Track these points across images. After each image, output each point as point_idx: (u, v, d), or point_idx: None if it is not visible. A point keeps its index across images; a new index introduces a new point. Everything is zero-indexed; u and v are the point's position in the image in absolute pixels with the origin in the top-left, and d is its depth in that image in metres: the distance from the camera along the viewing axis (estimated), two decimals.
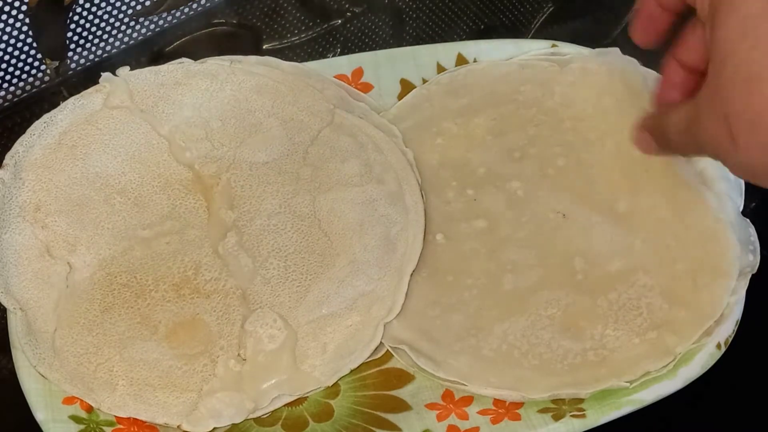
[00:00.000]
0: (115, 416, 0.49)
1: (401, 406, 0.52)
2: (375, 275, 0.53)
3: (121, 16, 0.67)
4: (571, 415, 0.50)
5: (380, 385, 0.52)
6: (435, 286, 0.54)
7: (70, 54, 0.67)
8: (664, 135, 0.49)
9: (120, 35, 0.68)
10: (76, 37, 0.66)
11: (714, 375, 0.51)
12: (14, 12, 0.62)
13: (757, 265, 0.52)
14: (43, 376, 0.50)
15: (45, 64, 0.66)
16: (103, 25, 0.67)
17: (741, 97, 0.40)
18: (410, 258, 0.53)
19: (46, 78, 0.67)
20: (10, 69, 0.65)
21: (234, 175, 0.55)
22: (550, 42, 0.61)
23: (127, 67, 0.59)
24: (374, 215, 0.54)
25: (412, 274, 0.53)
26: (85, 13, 0.66)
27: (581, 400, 0.50)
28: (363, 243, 0.53)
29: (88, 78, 0.62)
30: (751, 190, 0.55)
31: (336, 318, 0.52)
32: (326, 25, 0.71)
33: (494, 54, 0.61)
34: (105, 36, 0.68)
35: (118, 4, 0.67)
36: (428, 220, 0.55)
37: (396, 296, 0.52)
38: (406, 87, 0.61)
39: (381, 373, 0.53)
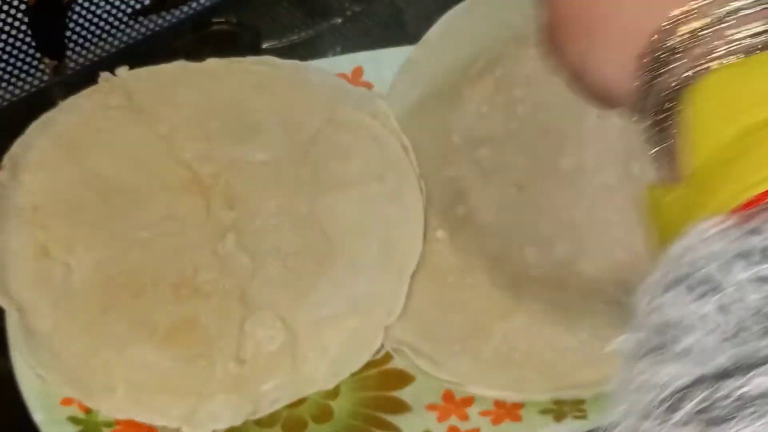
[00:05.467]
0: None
1: (401, 406, 0.51)
2: (375, 276, 0.53)
3: (120, 16, 0.67)
4: (573, 416, 0.50)
5: (380, 386, 0.52)
6: (435, 285, 0.53)
7: (69, 54, 0.67)
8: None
9: (120, 35, 0.68)
10: (75, 37, 0.66)
11: None
12: (14, 12, 0.62)
13: None
14: (41, 377, 0.50)
15: (44, 64, 0.66)
16: (102, 25, 0.67)
17: None
18: (410, 259, 0.53)
19: (46, 78, 0.67)
20: (9, 69, 0.65)
21: (233, 175, 0.55)
22: None
23: (127, 67, 0.59)
24: (374, 215, 0.54)
25: (412, 275, 0.53)
26: (84, 13, 0.66)
27: (582, 401, 0.50)
28: (363, 244, 0.53)
29: (87, 78, 0.61)
30: None
31: (336, 320, 0.52)
32: (326, 24, 0.71)
33: None
34: (105, 36, 0.68)
35: (117, 4, 0.66)
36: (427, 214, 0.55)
37: (396, 298, 0.52)
38: None
39: (381, 374, 0.53)
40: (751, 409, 0.23)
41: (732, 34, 0.30)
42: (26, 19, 0.63)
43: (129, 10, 0.67)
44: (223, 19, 0.71)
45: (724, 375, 0.24)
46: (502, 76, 0.53)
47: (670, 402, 0.24)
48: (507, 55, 0.54)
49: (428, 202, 0.55)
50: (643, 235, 0.44)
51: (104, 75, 0.58)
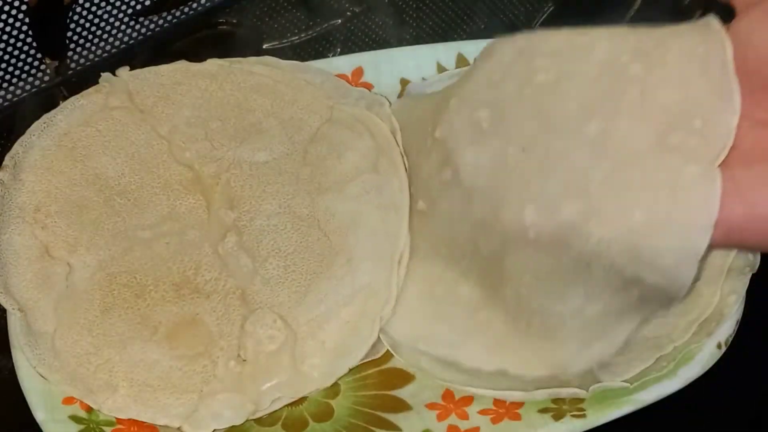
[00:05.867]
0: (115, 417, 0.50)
1: (401, 405, 0.52)
2: (369, 268, 0.53)
3: (121, 16, 0.67)
4: (572, 415, 0.50)
5: (380, 385, 0.52)
6: (426, 263, 0.52)
7: (70, 54, 0.67)
8: None
9: (120, 35, 0.68)
10: (76, 37, 0.66)
11: (714, 375, 0.51)
12: (14, 12, 0.62)
13: (758, 264, 0.52)
14: (42, 376, 0.50)
15: (45, 64, 0.66)
16: (103, 25, 0.67)
17: None
18: (397, 245, 0.53)
19: (46, 78, 0.67)
20: (10, 69, 0.65)
21: (234, 175, 0.55)
22: None
23: (127, 67, 0.59)
24: (367, 207, 0.54)
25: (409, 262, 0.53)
26: (85, 13, 0.66)
27: (581, 400, 0.50)
28: (356, 237, 0.53)
29: (88, 78, 0.62)
30: None
31: (333, 314, 0.52)
32: (326, 25, 0.71)
33: None
34: (105, 36, 0.68)
35: (118, 4, 0.67)
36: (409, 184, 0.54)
37: (390, 288, 0.52)
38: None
39: (381, 373, 0.53)
40: None
41: None
42: (27, 20, 0.63)
43: (130, 11, 0.67)
44: (223, 20, 0.71)
45: None
46: (524, 47, 0.49)
47: None
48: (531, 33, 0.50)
49: (415, 172, 0.54)
50: (666, 198, 0.42)
51: (105, 75, 0.58)
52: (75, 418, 0.49)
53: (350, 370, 0.51)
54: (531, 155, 0.46)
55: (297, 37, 0.71)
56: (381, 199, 0.54)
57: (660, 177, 0.43)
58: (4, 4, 0.62)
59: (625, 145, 0.44)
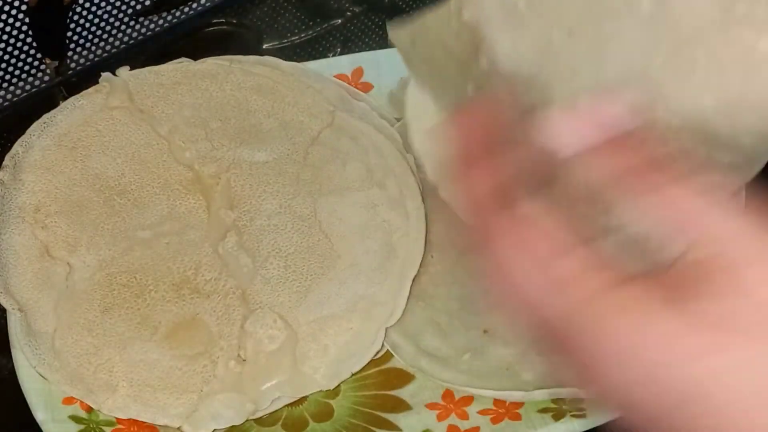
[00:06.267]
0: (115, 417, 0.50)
1: (401, 405, 0.52)
2: (376, 279, 0.53)
3: (121, 16, 0.67)
4: (572, 415, 0.50)
5: (380, 385, 0.52)
6: None
7: (70, 54, 0.67)
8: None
9: (120, 35, 0.68)
10: (76, 37, 0.66)
11: None
12: (14, 12, 0.62)
13: None
14: (42, 376, 0.50)
15: (45, 64, 0.66)
16: (103, 25, 0.67)
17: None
18: (412, 263, 0.53)
19: (46, 78, 0.67)
20: (10, 69, 0.65)
21: (234, 175, 0.55)
22: None
23: (127, 67, 0.59)
24: (376, 220, 0.54)
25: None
26: (85, 13, 0.66)
27: (581, 400, 0.50)
28: (364, 247, 0.53)
29: (88, 78, 0.61)
30: (749, 189, 0.55)
31: (337, 319, 0.52)
32: (326, 25, 0.71)
33: None
34: (105, 36, 0.68)
35: (118, 4, 0.66)
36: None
37: (397, 301, 0.52)
38: None
39: (381, 373, 0.53)
40: None
41: None
42: (27, 20, 0.63)
43: (130, 11, 0.67)
44: (223, 20, 0.71)
45: None
46: None
47: None
48: None
49: (451, 60, 0.46)
50: (739, 78, 0.37)
51: (105, 75, 0.58)
52: (75, 418, 0.49)
53: (352, 374, 0.52)
54: (579, 39, 0.41)
55: (297, 37, 0.71)
56: (393, 217, 0.55)
57: (729, 54, 0.38)
58: (4, 4, 0.61)
59: (686, 21, 0.38)
